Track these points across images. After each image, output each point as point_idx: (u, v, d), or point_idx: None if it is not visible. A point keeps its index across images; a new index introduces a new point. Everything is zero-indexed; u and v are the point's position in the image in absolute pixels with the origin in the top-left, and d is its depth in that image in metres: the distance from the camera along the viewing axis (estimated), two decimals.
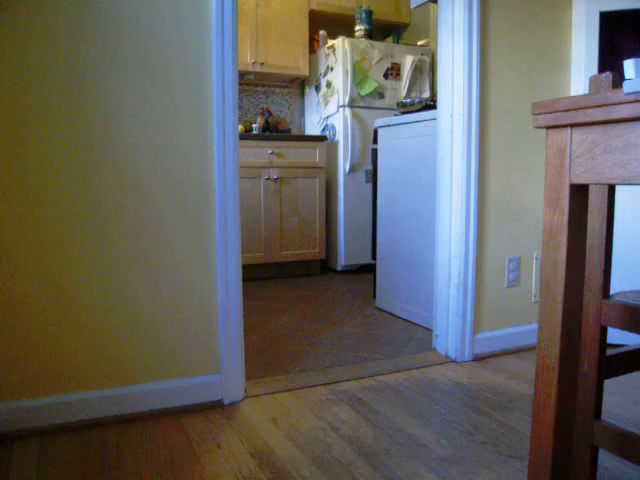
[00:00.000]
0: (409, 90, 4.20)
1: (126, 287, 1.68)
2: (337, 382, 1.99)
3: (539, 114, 0.92)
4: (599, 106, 0.83)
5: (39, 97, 1.54)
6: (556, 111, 0.90)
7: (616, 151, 0.82)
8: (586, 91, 2.31)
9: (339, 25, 4.56)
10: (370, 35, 4.26)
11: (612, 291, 1.14)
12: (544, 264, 0.95)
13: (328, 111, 4.23)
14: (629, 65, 0.75)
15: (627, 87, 0.75)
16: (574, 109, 0.87)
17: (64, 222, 1.60)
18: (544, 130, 0.92)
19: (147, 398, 1.72)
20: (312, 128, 4.54)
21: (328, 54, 4.17)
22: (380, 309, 3.05)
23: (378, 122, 3.01)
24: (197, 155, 1.74)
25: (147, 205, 1.69)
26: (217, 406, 1.79)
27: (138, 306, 1.70)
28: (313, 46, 4.43)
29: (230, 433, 1.61)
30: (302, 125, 4.70)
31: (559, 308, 0.93)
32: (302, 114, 4.70)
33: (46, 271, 1.59)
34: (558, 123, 0.90)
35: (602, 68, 2.31)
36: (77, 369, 1.65)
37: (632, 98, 0.76)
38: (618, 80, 1.01)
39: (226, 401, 1.81)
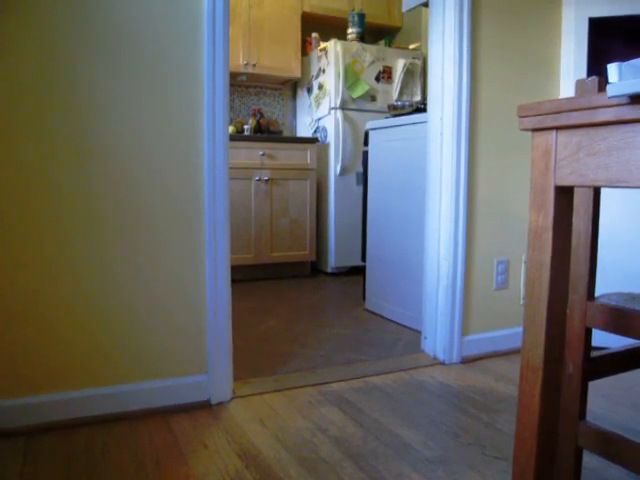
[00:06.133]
0: (400, 93, 4.22)
1: (114, 286, 1.67)
2: (325, 383, 1.99)
3: (525, 116, 0.93)
4: (583, 109, 0.83)
5: (33, 100, 1.53)
6: (541, 114, 0.91)
7: (600, 154, 0.83)
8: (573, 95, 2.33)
9: (332, 28, 4.58)
10: (362, 38, 4.27)
11: (597, 293, 1.15)
12: (529, 265, 0.95)
13: (320, 113, 4.23)
14: (612, 69, 0.76)
15: (610, 91, 0.76)
16: (559, 112, 0.88)
17: (56, 221, 1.59)
18: (530, 133, 0.93)
19: (134, 398, 1.71)
20: (304, 130, 4.55)
21: (320, 56, 4.18)
22: (369, 311, 3.05)
23: (369, 124, 3.01)
24: (188, 155, 1.73)
25: (137, 205, 1.68)
26: (204, 406, 1.79)
27: (126, 305, 1.69)
28: (305, 48, 4.44)
29: (217, 433, 1.61)
30: (294, 127, 4.70)
31: (544, 309, 0.94)
32: (294, 116, 4.70)
33: (34, 269, 1.58)
34: (543, 126, 0.91)
35: (590, 73, 2.33)
36: (63, 368, 1.63)
37: (615, 102, 0.77)
38: (603, 84, 1.02)
39: (214, 401, 1.80)
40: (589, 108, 0.82)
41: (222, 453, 1.49)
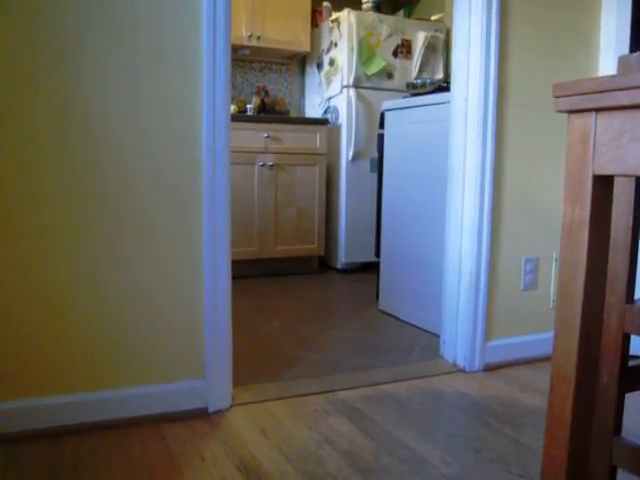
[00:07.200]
0: (420, 70, 4.20)
1: (105, 283, 1.68)
2: (333, 391, 2.00)
3: (560, 97, 0.92)
4: (627, 89, 0.82)
5: (14, 71, 1.54)
6: (579, 94, 0.90)
7: None
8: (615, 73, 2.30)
9: None
10: (379, 8, 4.25)
11: (637, 295, 1.14)
12: (562, 264, 0.95)
13: (331, 92, 4.22)
14: None
15: None
16: (599, 92, 0.87)
17: (40, 215, 1.59)
18: (566, 115, 0.93)
19: (125, 404, 1.72)
20: (312, 110, 4.54)
21: (332, 28, 4.16)
22: (383, 312, 3.05)
23: (386, 105, 3.00)
24: (185, 138, 1.73)
25: (128, 190, 1.68)
26: (201, 414, 1.80)
27: (117, 304, 1.70)
28: (315, 19, 4.42)
29: (215, 444, 1.62)
30: (302, 107, 4.70)
31: (577, 313, 0.93)
32: (302, 94, 4.69)
33: (20, 270, 1.59)
34: (581, 107, 0.90)
35: (634, 48, 2.30)
36: (50, 371, 1.65)
37: None
38: None
39: (211, 409, 1.82)
40: (634, 87, 0.81)
41: (220, 465, 1.50)
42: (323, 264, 4.35)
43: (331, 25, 4.18)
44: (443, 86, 2.80)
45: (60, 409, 1.66)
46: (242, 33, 4.05)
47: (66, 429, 1.66)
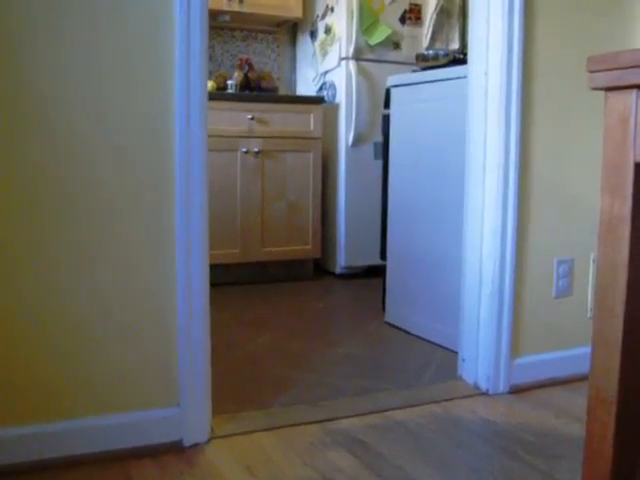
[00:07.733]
0: (433, 39, 4.20)
1: (62, 296, 1.67)
2: (333, 419, 2.00)
3: (596, 71, 0.93)
4: None
5: None
6: (618, 68, 0.90)
7: None
8: None
9: None
10: None
11: None
12: (600, 266, 0.95)
13: (326, 65, 4.22)
14: None
15: None
16: None
17: None
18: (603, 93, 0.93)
19: (83, 438, 1.71)
20: (305, 87, 4.54)
21: None
22: (390, 324, 3.06)
23: (392, 80, 3.01)
24: (153, 120, 1.73)
25: (85, 185, 1.68)
26: (175, 449, 1.79)
27: (75, 320, 1.69)
28: None
29: None
30: (292, 83, 4.70)
31: (619, 323, 0.93)
32: (292, 68, 4.69)
33: None
34: (621, 83, 0.90)
35: None
36: None
37: None
38: None
39: (187, 442, 1.81)
40: None
41: None
42: (319, 268, 4.35)
43: None
44: (459, 58, 2.80)
45: (4, 444, 1.64)
46: None
47: (11, 468, 1.63)
